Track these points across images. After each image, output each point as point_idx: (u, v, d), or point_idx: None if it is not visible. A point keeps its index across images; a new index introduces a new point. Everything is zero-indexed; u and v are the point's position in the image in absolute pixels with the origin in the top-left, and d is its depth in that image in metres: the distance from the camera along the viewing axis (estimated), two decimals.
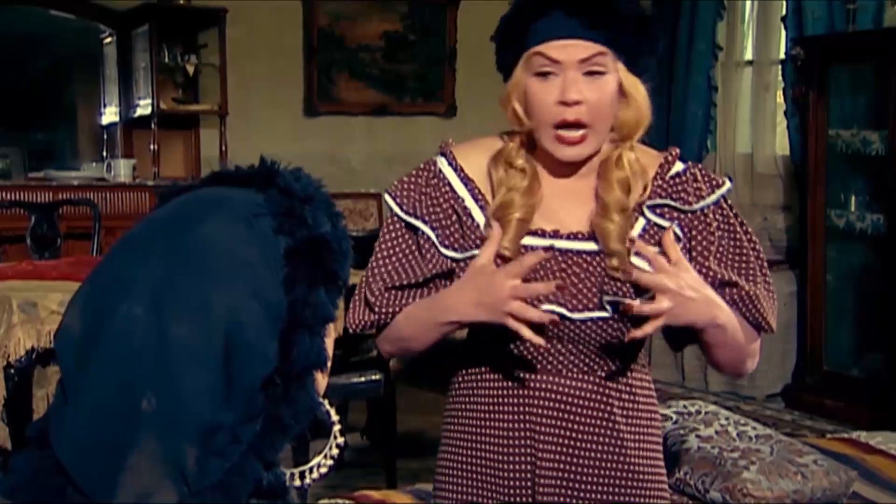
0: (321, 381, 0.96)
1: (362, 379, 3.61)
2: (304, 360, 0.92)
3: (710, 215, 1.66)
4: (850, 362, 5.10)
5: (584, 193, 1.65)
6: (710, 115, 5.93)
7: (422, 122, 6.54)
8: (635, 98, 1.59)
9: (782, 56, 5.54)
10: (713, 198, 1.66)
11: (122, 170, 5.68)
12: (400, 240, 1.68)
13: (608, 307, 1.59)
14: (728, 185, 1.68)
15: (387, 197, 1.70)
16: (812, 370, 5.12)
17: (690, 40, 5.95)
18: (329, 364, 0.96)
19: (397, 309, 1.65)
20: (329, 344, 0.97)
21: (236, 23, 5.80)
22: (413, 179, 1.69)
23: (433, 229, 1.65)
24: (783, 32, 5.53)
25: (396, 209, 1.68)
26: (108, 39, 6.05)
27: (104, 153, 6.23)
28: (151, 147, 5.71)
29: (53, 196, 5.14)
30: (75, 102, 6.71)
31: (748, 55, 5.90)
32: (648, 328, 1.53)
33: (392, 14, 6.43)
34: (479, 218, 1.65)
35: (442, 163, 1.68)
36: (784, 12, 5.48)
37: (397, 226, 1.68)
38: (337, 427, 1.02)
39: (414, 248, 1.67)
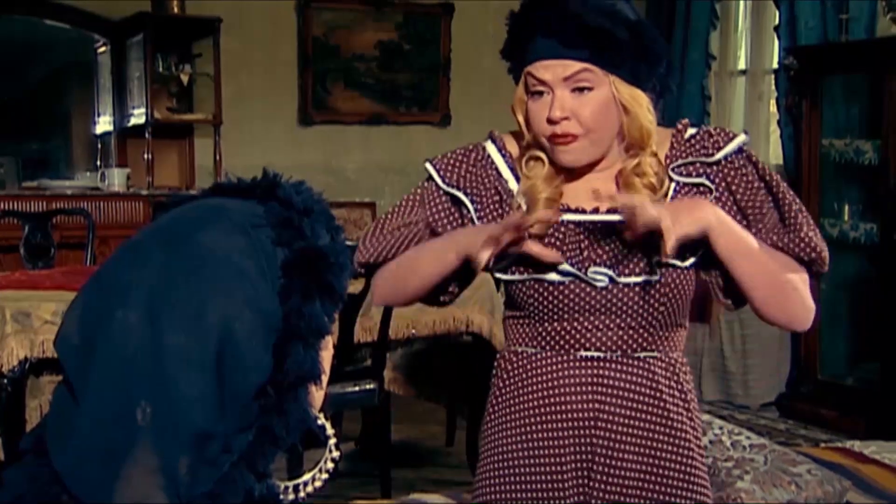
0: (316, 393, 0.96)
1: (356, 388, 3.61)
2: (298, 372, 0.92)
3: (737, 161, 1.70)
4: (844, 371, 5.11)
5: (611, 184, 1.70)
6: (704, 124, 5.94)
7: (416, 132, 6.55)
8: (633, 110, 1.64)
9: (775, 65, 5.56)
10: (733, 145, 1.70)
11: (116, 179, 5.67)
12: (429, 202, 1.74)
13: (657, 270, 1.64)
14: (744, 136, 1.72)
15: (429, 166, 1.75)
16: (806, 379, 5.12)
17: (684, 49, 5.97)
18: (325, 377, 0.96)
19: (408, 242, 1.72)
20: (325, 357, 0.97)
21: (231, 32, 5.81)
22: (459, 157, 1.75)
23: (473, 202, 1.71)
24: (776, 42, 5.55)
25: (439, 180, 1.74)
26: (103, 49, 6.05)
27: (98, 162, 6.22)
28: (145, 156, 5.70)
29: (47, 205, 5.13)
30: (69, 112, 6.70)
31: (741, 64, 5.92)
32: (669, 242, 1.54)
33: (387, 23, 6.44)
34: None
35: (490, 148, 1.76)
36: (777, 22, 5.50)
37: (437, 196, 1.74)
38: (332, 441, 1.01)
39: (449, 211, 1.73)
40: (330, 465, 1.01)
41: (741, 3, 5.89)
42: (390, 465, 3.77)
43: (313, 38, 6.28)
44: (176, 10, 5.75)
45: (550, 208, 1.67)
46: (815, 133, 5.02)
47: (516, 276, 1.68)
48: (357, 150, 6.45)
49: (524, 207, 1.68)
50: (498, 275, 1.69)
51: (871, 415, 4.63)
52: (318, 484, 1.01)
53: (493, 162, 1.74)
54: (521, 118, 1.69)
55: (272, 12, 6.15)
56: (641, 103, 1.64)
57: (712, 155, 1.69)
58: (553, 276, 1.65)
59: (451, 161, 1.75)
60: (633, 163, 1.68)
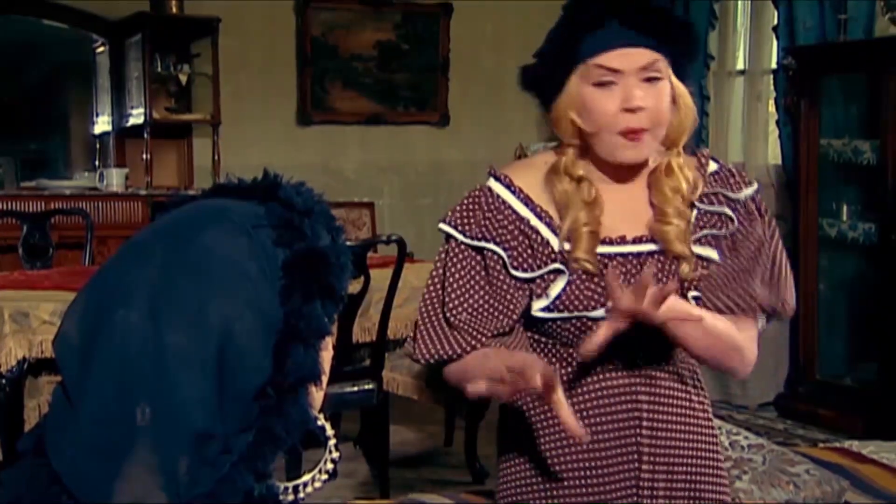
0: (316, 394, 0.96)
1: (355, 388, 3.61)
2: (298, 373, 0.92)
3: (752, 206, 1.72)
4: (842, 371, 5.11)
5: (639, 201, 1.69)
6: (703, 124, 5.94)
7: (415, 132, 6.55)
8: (684, 103, 1.64)
9: (774, 66, 5.56)
10: (752, 189, 1.72)
11: (115, 179, 5.67)
12: (472, 271, 1.67)
13: (693, 302, 1.63)
14: (756, 185, 1.74)
15: (445, 227, 1.68)
16: (805, 379, 5.12)
17: None
18: (325, 378, 0.96)
19: (472, 348, 1.65)
20: (325, 358, 0.97)
21: (229, 32, 5.81)
22: (470, 206, 1.68)
23: (505, 250, 1.65)
24: (775, 42, 5.55)
25: (460, 237, 1.66)
26: (101, 49, 6.04)
27: (97, 162, 6.21)
28: (144, 156, 5.70)
29: (46, 205, 5.13)
30: (68, 112, 6.70)
31: (740, 65, 5.92)
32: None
33: (385, 23, 6.44)
34: (548, 235, 1.65)
35: (497, 186, 1.68)
36: (776, 22, 5.50)
37: (465, 254, 1.67)
38: (332, 441, 1.01)
39: (485, 279, 1.66)
40: (329, 466, 1.01)
41: (739, 3, 5.89)
42: (389, 465, 3.77)
43: (312, 37, 6.28)
44: (174, 9, 5.75)
45: (593, 241, 1.63)
46: (813, 133, 5.03)
47: (555, 314, 1.64)
48: (355, 150, 6.45)
49: (567, 247, 1.63)
50: (536, 313, 1.64)
51: (869, 414, 4.64)
52: (317, 485, 1.01)
53: (504, 201, 1.67)
54: (575, 117, 1.62)
55: (271, 12, 6.15)
56: (687, 96, 1.64)
57: (736, 192, 1.70)
58: (598, 314, 1.61)
59: (464, 213, 1.67)
60: (664, 163, 1.67)
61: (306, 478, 1.01)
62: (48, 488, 0.90)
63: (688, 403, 1.72)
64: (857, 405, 4.79)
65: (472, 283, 1.67)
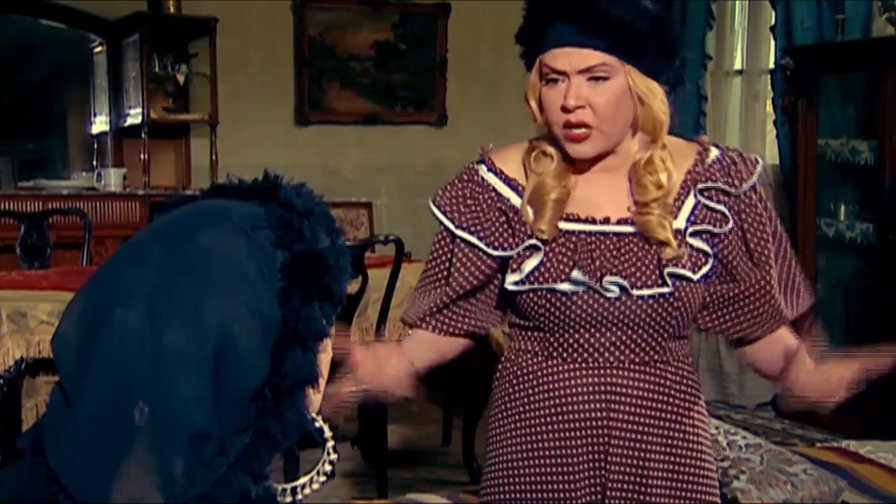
0: (313, 397, 0.96)
1: (353, 388, 3.60)
2: (296, 375, 0.92)
3: (753, 196, 1.71)
4: None
5: (620, 186, 1.70)
6: (700, 124, 5.94)
7: (413, 131, 6.55)
8: (648, 101, 1.63)
9: (772, 66, 5.56)
10: (754, 178, 1.71)
11: (113, 179, 5.67)
12: (448, 253, 1.75)
13: (669, 281, 1.63)
14: (761, 162, 1.74)
15: (434, 209, 1.75)
16: None
17: None
18: (323, 380, 0.96)
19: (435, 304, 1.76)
20: (324, 360, 0.96)
21: (227, 32, 5.81)
22: (459, 190, 1.74)
23: (480, 237, 1.71)
24: (772, 42, 5.55)
25: (448, 224, 1.73)
26: (99, 49, 6.05)
27: (94, 162, 6.22)
28: (142, 156, 5.70)
29: (43, 205, 5.12)
30: (66, 112, 6.71)
31: (738, 65, 5.92)
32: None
33: (383, 23, 6.44)
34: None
35: (482, 170, 1.74)
36: (773, 22, 5.50)
37: (441, 243, 1.76)
38: (330, 443, 1.01)
39: (447, 270, 1.75)
40: (328, 468, 1.01)
41: (737, 3, 5.90)
42: (387, 465, 3.77)
43: (309, 37, 6.28)
44: (172, 9, 5.75)
45: (556, 210, 1.67)
46: (811, 133, 5.03)
47: (527, 287, 1.66)
48: (353, 150, 6.45)
49: (531, 215, 1.67)
50: (508, 286, 1.68)
51: (867, 414, 4.64)
52: (315, 486, 1.01)
53: (489, 184, 1.72)
54: (533, 105, 1.67)
55: (268, 12, 6.15)
56: (657, 94, 1.63)
57: (736, 186, 1.69)
58: (565, 287, 1.64)
59: (454, 198, 1.73)
60: (645, 157, 1.67)
61: (304, 479, 1.01)
62: (47, 488, 0.90)
63: (668, 406, 1.70)
64: (854, 405, 4.77)
65: (434, 272, 1.77)
